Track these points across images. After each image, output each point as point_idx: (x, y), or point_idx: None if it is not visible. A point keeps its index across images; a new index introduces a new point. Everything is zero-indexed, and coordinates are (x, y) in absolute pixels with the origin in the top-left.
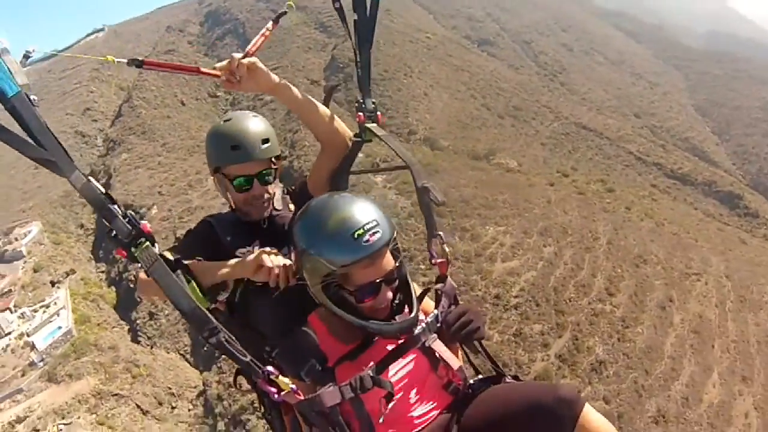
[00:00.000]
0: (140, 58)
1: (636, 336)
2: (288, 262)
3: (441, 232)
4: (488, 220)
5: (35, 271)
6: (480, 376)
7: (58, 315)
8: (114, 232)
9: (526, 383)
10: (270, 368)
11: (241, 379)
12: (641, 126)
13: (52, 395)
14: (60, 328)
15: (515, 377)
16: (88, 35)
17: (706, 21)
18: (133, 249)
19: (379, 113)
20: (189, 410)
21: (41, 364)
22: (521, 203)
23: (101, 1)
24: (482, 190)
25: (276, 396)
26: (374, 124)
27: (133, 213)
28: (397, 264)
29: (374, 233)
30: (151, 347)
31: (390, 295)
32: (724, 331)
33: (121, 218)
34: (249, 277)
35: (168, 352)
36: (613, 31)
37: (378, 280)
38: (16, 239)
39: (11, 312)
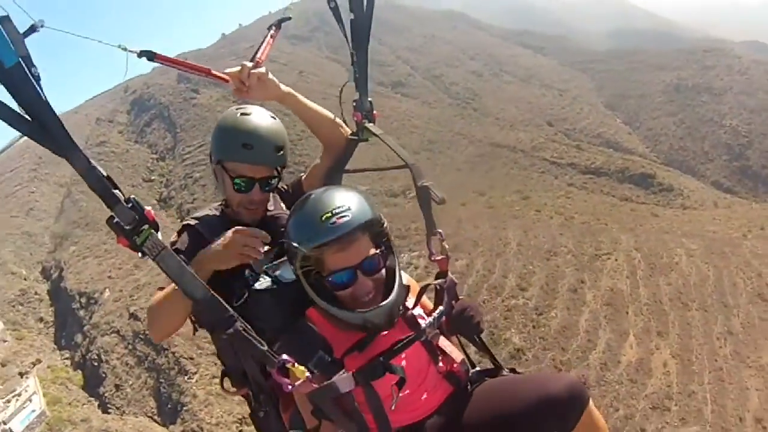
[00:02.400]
0: (152, 51)
1: (550, 320)
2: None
3: (440, 230)
4: (402, 248)
5: (2, 365)
6: (477, 369)
7: (30, 401)
8: (116, 219)
9: (531, 375)
10: (285, 356)
11: (227, 382)
12: (555, 132)
13: None
14: (34, 411)
15: (512, 370)
16: (22, 135)
17: (609, 21)
18: (135, 237)
19: (375, 111)
20: None
21: None
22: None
23: None
24: (396, 223)
25: (289, 387)
26: (371, 124)
27: (136, 198)
28: (379, 252)
29: (342, 216)
30: (121, 415)
31: (370, 284)
32: (636, 298)
33: (124, 203)
34: (235, 263)
35: (136, 416)
36: (519, 49)
37: (352, 267)
38: None
39: None
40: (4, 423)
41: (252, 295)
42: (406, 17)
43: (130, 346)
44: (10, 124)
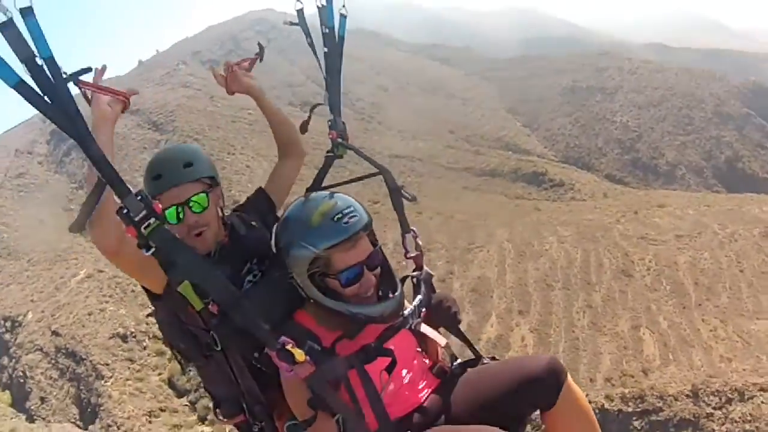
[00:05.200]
0: (79, 76)
1: None
2: None
3: (414, 228)
4: None
5: None
6: (459, 361)
7: None
8: (126, 209)
9: (510, 359)
10: (285, 338)
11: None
12: (456, 139)
13: None
14: None
15: (492, 358)
16: None
17: (518, 30)
18: (143, 229)
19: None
20: None
21: None
22: None
23: None
24: None
25: (288, 372)
26: (344, 141)
27: (144, 191)
28: (376, 249)
29: (352, 216)
30: (46, 424)
31: (373, 280)
32: (502, 283)
33: (134, 196)
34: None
35: (61, 423)
36: (426, 62)
37: (360, 264)
38: None
39: None
40: None
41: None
42: (316, 38)
43: (53, 361)
44: (43, 112)
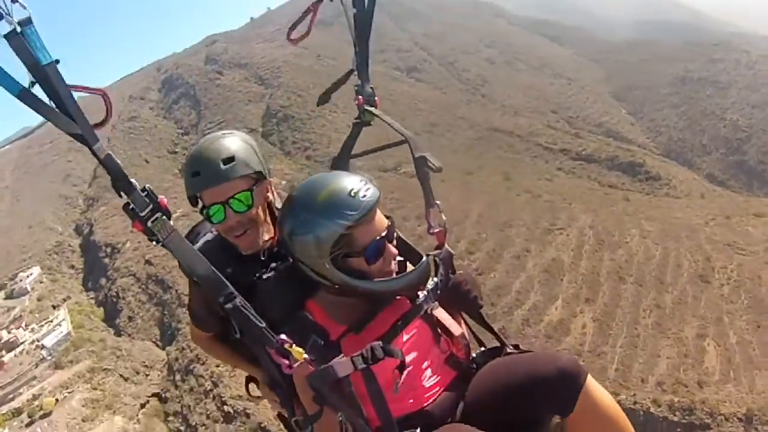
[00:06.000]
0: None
1: (487, 280)
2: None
3: (438, 202)
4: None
5: (39, 300)
6: (482, 349)
7: (60, 325)
8: (132, 206)
9: (527, 355)
10: (283, 336)
11: (252, 388)
12: (557, 120)
13: (58, 377)
14: (62, 332)
15: (516, 346)
16: None
17: (634, 12)
18: (149, 223)
19: (376, 98)
20: (158, 375)
21: (50, 358)
22: (407, 198)
23: (66, 76)
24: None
25: (288, 369)
26: (372, 108)
27: (150, 188)
28: (390, 221)
29: (368, 189)
30: (131, 339)
31: (395, 251)
32: (575, 268)
33: (140, 192)
34: None
35: (143, 341)
36: (536, 38)
37: (382, 237)
38: (21, 281)
39: (24, 329)
40: (38, 341)
41: (256, 287)
42: (429, 5)
43: (143, 286)
44: (48, 119)
